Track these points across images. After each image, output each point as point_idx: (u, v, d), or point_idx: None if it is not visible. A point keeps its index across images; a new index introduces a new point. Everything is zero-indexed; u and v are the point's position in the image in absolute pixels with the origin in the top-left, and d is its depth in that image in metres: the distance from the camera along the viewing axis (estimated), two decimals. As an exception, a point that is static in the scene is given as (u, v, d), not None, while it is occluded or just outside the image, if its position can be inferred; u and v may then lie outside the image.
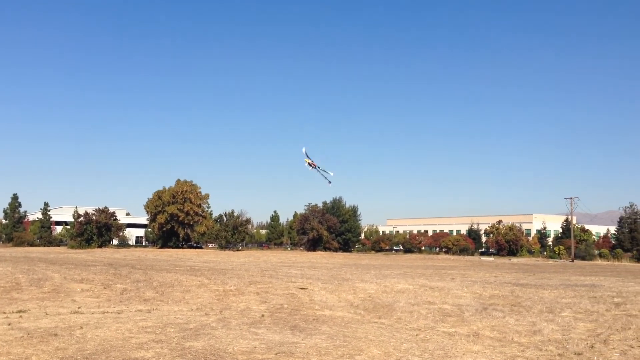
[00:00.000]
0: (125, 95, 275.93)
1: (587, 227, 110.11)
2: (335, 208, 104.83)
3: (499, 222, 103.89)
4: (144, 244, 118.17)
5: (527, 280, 30.72)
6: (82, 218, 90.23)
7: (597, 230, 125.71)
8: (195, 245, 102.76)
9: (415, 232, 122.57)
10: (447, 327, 14.55)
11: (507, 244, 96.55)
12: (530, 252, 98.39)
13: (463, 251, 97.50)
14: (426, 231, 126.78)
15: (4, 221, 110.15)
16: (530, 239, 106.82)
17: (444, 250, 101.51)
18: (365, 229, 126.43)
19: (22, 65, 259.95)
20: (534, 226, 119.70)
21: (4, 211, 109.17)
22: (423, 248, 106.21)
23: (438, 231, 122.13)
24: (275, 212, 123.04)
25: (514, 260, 79.38)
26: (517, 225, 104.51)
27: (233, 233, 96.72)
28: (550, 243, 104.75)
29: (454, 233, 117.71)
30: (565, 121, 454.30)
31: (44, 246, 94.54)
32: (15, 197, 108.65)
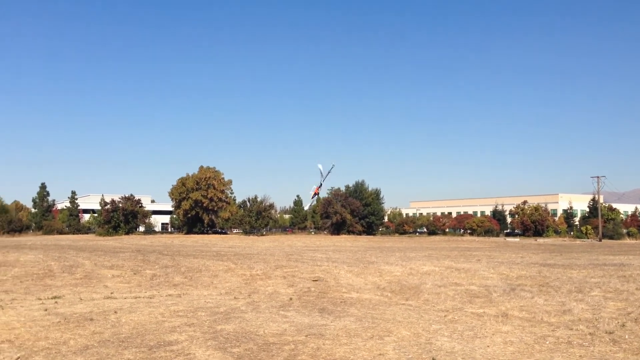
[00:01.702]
0: (148, 83, 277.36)
1: (614, 205, 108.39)
2: (357, 191, 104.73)
3: (524, 202, 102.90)
4: (169, 230, 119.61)
5: (554, 260, 30.49)
6: (108, 206, 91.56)
7: (625, 209, 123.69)
8: (220, 230, 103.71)
9: (439, 214, 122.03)
10: (475, 308, 14.56)
11: (533, 224, 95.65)
12: (557, 232, 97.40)
13: (488, 232, 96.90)
14: (450, 213, 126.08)
15: (33, 210, 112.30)
16: (556, 219, 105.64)
17: (469, 232, 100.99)
18: (389, 212, 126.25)
19: (45, 54, 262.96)
20: (560, 206, 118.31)
21: (33, 200, 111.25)
22: (447, 230, 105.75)
23: (462, 213, 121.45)
24: (298, 196, 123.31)
25: (540, 240, 78.72)
26: (543, 205, 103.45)
27: (257, 218, 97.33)
28: (577, 223, 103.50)
29: (478, 214, 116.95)
30: (591, 99, 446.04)
31: (73, 234, 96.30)
32: (43, 186, 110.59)
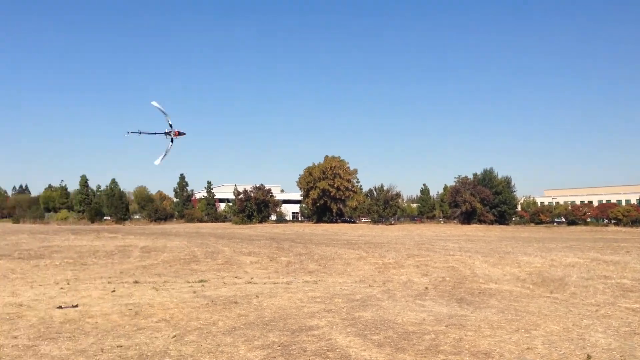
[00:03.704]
0: (279, 74, 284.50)
1: None
2: (486, 179, 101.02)
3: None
4: (299, 219, 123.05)
5: None
6: (241, 195, 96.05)
7: None
8: (348, 219, 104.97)
9: (577, 202, 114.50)
10: (629, 303, 13.44)
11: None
12: None
13: (635, 222, 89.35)
14: (590, 202, 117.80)
15: (175, 199, 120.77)
16: None
17: (613, 222, 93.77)
18: (521, 201, 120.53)
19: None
20: None
21: (174, 190, 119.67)
22: (588, 220, 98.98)
23: (604, 201, 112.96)
24: (424, 185, 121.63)
25: (698, 231, 71.20)
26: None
27: (384, 207, 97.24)
28: None
29: (623, 203, 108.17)
30: None
31: (211, 222, 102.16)
32: (182, 177, 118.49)
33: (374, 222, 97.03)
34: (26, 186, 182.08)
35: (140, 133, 29.26)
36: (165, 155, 29.08)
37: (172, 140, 28.78)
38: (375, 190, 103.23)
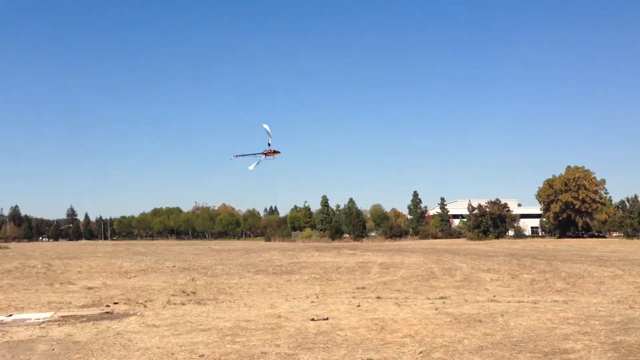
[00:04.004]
0: (509, 86, 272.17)
1: None
2: None
3: None
4: (540, 234, 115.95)
5: None
6: (476, 211, 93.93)
7: None
8: (596, 234, 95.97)
9: None
10: None
11: None
12: None
13: None
14: None
15: (409, 216, 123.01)
16: None
17: None
18: None
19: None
20: None
21: (408, 207, 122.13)
22: None
23: None
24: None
25: None
26: None
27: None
28: None
29: None
30: None
31: (445, 238, 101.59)
32: (415, 194, 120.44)
33: (628, 236, 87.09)
34: (275, 207, 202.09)
35: (244, 155, 33.09)
36: (257, 163, 32.74)
37: (265, 155, 32.20)
38: (628, 201, 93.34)
